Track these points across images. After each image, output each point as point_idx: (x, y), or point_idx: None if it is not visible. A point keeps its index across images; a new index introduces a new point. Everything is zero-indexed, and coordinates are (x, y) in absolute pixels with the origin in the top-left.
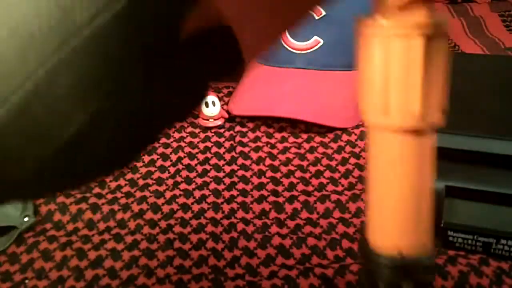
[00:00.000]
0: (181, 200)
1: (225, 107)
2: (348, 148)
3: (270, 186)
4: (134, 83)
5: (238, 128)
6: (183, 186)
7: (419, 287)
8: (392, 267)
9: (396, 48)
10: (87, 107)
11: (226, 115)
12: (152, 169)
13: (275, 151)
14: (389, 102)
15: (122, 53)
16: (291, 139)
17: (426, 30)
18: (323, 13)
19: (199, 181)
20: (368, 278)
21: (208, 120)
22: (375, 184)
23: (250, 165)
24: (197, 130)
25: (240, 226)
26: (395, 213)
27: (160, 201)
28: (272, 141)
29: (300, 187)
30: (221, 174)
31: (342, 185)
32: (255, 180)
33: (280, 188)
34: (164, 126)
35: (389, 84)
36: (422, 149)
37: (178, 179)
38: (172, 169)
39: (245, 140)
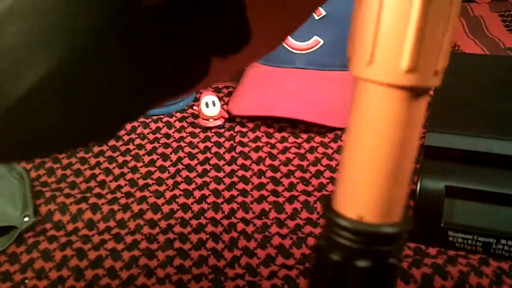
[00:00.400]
0: (181, 200)
1: (225, 107)
2: None
3: (270, 186)
4: (105, 46)
5: (238, 128)
6: (183, 186)
7: (376, 257)
8: (349, 230)
9: None
10: (42, 62)
11: (226, 115)
12: (152, 169)
13: (275, 151)
14: (375, 50)
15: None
16: (291, 139)
17: None
18: (323, 13)
19: (199, 181)
20: (326, 241)
21: (208, 120)
22: (350, 137)
23: (250, 165)
24: (197, 130)
25: (240, 226)
26: (365, 173)
27: (160, 201)
28: (272, 141)
29: (300, 187)
30: (221, 174)
31: None
32: (255, 180)
33: (280, 188)
34: (149, 103)
35: (378, 28)
36: (408, 111)
37: (178, 179)
38: (172, 169)
39: (245, 140)
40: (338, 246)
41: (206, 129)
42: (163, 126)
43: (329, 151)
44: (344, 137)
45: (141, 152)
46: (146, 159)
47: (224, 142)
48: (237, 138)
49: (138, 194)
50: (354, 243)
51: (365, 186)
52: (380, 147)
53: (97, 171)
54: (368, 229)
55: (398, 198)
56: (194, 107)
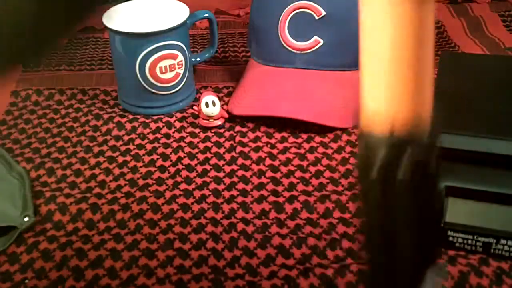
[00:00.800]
0: (181, 200)
1: (225, 107)
2: (348, 148)
3: (270, 186)
4: None
5: (238, 128)
6: (183, 186)
7: (416, 165)
8: (384, 144)
9: None
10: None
11: (226, 115)
12: (152, 169)
13: (275, 151)
14: None
15: None
16: (291, 139)
17: None
18: (323, 13)
19: (199, 181)
20: (363, 161)
21: (208, 120)
22: (368, 37)
23: (250, 165)
24: (197, 130)
25: (240, 226)
26: (388, 75)
27: (160, 201)
28: (272, 141)
29: (300, 187)
30: (221, 174)
31: (342, 185)
32: (255, 180)
33: (280, 188)
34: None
35: None
36: (420, 14)
37: (178, 179)
38: (172, 169)
39: (245, 140)
40: (374, 163)
41: (206, 129)
42: (163, 126)
43: (329, 151)
44: (344, 137)
45: (141, 152)
46: (146, 159)
47: (224, 142)
48: (237, 138)
49: (138, 194)
50: (389, 157)
51: (393, 96)
52: (400, 41)
53: (97, 171)
54: (401, 140)
55: (424, 105)
56: (194, 107)
